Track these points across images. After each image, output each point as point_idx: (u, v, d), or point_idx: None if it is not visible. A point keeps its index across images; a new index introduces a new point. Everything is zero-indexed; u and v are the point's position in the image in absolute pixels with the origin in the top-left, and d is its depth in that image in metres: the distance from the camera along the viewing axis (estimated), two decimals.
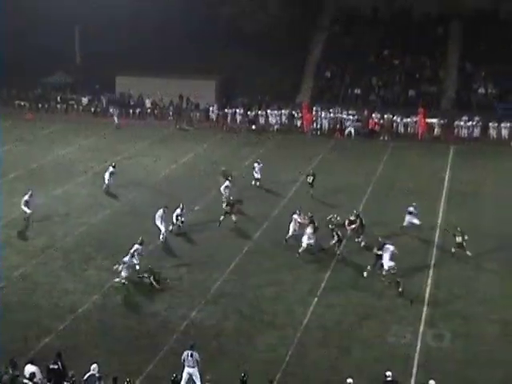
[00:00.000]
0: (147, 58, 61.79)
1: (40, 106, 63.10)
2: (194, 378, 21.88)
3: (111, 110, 60.07)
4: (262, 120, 58.13)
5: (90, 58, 65.13)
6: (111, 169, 41.13)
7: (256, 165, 41.79)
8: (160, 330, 25.75)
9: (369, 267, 29.94)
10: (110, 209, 38.07)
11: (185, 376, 21.86)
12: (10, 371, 20.87)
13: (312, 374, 23.21)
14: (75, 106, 63.39)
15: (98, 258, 31.75)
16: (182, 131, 56.25)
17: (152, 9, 63.48)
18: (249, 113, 58.54)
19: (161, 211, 33.89)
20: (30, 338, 24.77)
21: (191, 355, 22.06)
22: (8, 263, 31.01)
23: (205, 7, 64.57)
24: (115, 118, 57.74)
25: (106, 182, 40.80)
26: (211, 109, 59.67)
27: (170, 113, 60.92)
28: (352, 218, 33.20)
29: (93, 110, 62.40)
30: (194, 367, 21.88)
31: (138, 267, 29.47)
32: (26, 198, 35.72)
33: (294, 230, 32.71)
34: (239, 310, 27.43)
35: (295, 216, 32.88)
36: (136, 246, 29.76)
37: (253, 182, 41.60)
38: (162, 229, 33.54)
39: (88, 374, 20.78)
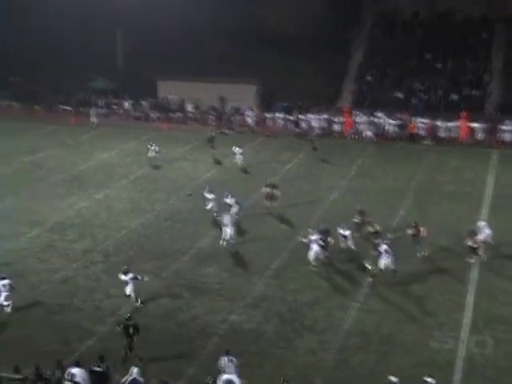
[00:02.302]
0: (188, 62, 62.18)
1: (82, 110, 63.76)
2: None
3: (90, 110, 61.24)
4: (302, 124, 58.07)
5: (132, 63, 65.76)
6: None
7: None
8: (199, 334, 25.87)
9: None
10: (151, 213, 38.32)
11: (226, 380, 21.65)
12: (57, 373, 21.08)
13: (352, 379, 23.14)
14: (117, 111, 63.99)
15: (139, 262, 31.97)
16: (223, 135, 56.46)
17: (193, 14, 63.86)
18: (290, 117, 58.57)
19: (226, 217, 33.79)
20: (72, 341, 25.05)
21: (231, 361, 22.07)
22: (50, 266, 31.42)
23: (247, 11, 64.78)
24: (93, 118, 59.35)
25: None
26: (250, 113, 59.79)
27: (211, 117, 61.18)
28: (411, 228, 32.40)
29: (134, 114, 62.93)
30: (234, 373, 21.80)
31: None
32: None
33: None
34: (279, 313, 27.46)
35: (340, 231, 32.49)
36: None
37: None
38: (228, 234, 33.51)
39: (130, 378, 20.94)
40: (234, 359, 22.11)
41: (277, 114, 59.44)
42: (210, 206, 37.04)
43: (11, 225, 36.25)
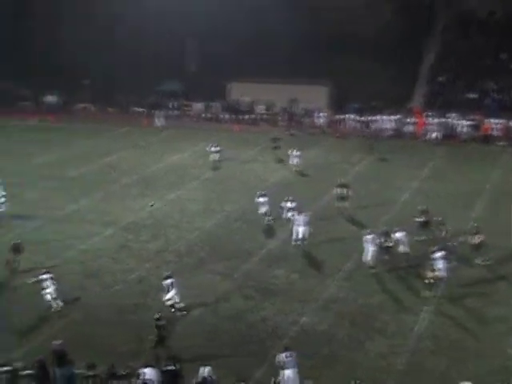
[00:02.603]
0: (260, 64, 62.28)
1: (154, 112, 64.57)
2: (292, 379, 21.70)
3: (155, 112, 62.15)
4: (374, 126, 57.71)
5: (204, 65, 66.29)
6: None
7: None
8: (270, 336, 25.91)
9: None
10: (222, 214, 38.57)
11: (286, 379, 21.69)
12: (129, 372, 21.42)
13: None
14: (188, 113, 64.57)
15: (211, 262, 32.24)
16: (294, 137, 56.44)
17: (263, 15, 63.99)
18: (362, 118, 58.28)
19: (298, 217, 33.87)
20: (145, 340, 25.35)
21: (290, 355, 22.05)
22: (124, 266, 31.88)
23: (317, 12, 64.62)
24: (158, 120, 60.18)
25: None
26: (321, 114, 59.65)
27: (281, 118, 61.24)
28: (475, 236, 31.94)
29: (205, 116, 63.42)
30: (293, 368, 21.82)
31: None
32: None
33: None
34: (350, 316, 27.33)
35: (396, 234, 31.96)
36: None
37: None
38: (300, 233, 33.53)
39: (201, 377, 21.14)
40: (293, 354, 22.05)
41: (348, 116, 59.20)
42: (263, 209, 36.91)
43: (86, 225, 36.93)
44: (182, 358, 22.46)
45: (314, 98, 61.19)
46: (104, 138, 56.28)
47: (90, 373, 21.19)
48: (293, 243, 33.61)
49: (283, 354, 22.12)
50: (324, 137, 56.36)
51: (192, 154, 51.04)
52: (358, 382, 20.81)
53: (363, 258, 30.88)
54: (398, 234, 31.58)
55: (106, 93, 65.79)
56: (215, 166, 47.22)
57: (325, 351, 24.84)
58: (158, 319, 24.60)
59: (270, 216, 36.41)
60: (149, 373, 21.26)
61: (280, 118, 61.32)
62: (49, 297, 27.68)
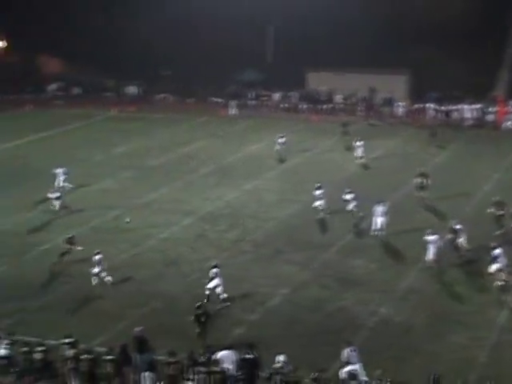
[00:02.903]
0: (338, 53, 61.86)
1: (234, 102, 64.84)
2: (358, 373, 21.36)
3: (229, 102, 62.19)
4: (455, 115, 56.73)
5: (282, 54, 66.23)
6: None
7: None
8: (348, 326, 25.73)
9: None
10: (299, 204, 38.44)
11: (349, 372, 21.41)
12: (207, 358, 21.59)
13: (507, 377, 22.35)
14: (267, 103, 64.63)
15: (288, 252, 32.21)
16: (372, 126, 55.90)
17: (343, 3, 63.41)
18: (442, 108, 57.35)
19: (378, 208, 33.49)
20: (222, 329, 25.49)
21: (354, 350, 21.83)
22: (202, 255, 32.08)
23: (396, 0, 63.77)
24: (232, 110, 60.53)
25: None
26: (400, 104, 58.94)
27: (359, 108, 60.76)
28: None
29: (284, 105, 63.36)
30: (358, 363, 21.56)
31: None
32: None
33: None
34: (430, 307, 26.94)
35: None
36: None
37: None
38: (378, 224, 33.32)
39: (278, 365, 21.13)
40: (356, 349, 21.82)
41: (428, 105, 58.32)
42: (317, 203, 36.40)
43: (165, 214, 37.33)
44: (260, 348, 22.50)
45: (392, 87, 60.54)
46: (183, 127, 56.80)
47: (171, 359, 21.42)
48: (372, 233, 33.32)
49: (347, 349, 21.90)
50: (403, 126, 55.66)
51: (270, 144, 50.83)
52: (436, 375, 20.42)
53: (426, 258, 30.20)
54: (457, 227, 31.05)
55: (185, 83, 66.41)
56: (280, 158, 46.87)
57: (403, 343, 24.53)
58: (198, 307, 24.60)
59: (324, 209, 35.95)
60: (225, 360, 21.38)
61: (358, 108, 60.81)
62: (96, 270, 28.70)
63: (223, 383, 20.83)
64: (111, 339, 23.92)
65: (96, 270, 28.84)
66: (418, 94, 60.46)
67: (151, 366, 21.69)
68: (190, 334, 24.90)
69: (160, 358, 22.15)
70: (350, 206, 35.40)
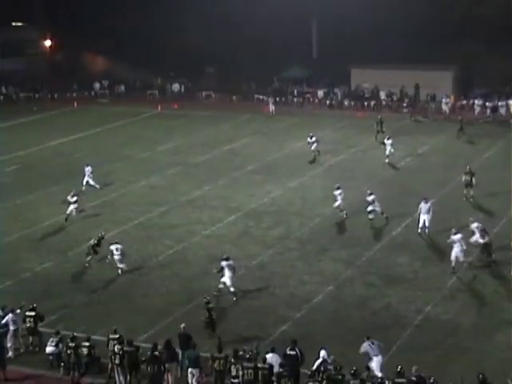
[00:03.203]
0: (383, 49, 61.48)
1: (277, 99, 64.77)
2: (378, 365, 21.62)
3: (268, 99, 61.90)
4: (502, 111, 56.02)
5: (326, 51, 66.01)
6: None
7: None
8: (394, 324, 25.59)
9: None
10: (344, 201, 38.20)
11: (375, 366, 21.55)
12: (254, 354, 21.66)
13: None
14: (311, 99, 64.52)
15: (333, 250, 32.12)
16: (417, 123, 55.45)
17: (385, 1, 62.93)
18: (487, 104, 56.65)
19: (424, 205, 33.21)
20: (267, 326, 25.53)
21: (373, 343, 21.91)
22: (246, 252, 32.14)
23: None
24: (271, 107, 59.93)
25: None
26: (444, 100, 58.32)
27: (405, 104, 60.33)
28: None
29: (328, 102, 63.20)
30: (379, 355, 21.72)
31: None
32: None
33: None
34: (477, 306, 26.71)
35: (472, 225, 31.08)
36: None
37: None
38: (421, 222, 33.07)
39: (320, 361, 21.16)
40: (375, 342, 21.96)
41: (474, 101, 57.67)
42: (337, 203, 36.15)
43: (209, 211, 37.47)
44: (304, 345, 22.47)
45: (438, 83, 59.95)
46: (227, 125, 56.93)
47: (217, 355, 21.52)
48: (418, 231, 33.05)
49: (366, 343, 21.99)
50: (449, 123, 55.08)
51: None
52: (481, 375, 20.13)
53: (451, 258, 29.71)
54: (474, 225, 30.78)
55: (229, 80, 66.57)
56: (313, 158, 46.27)
57: (450, 341, 24.30)
58: (207, 302, 25.02)
59: (343, 210, 35.79)
60: (270, 356, 21.42)
61: (404, 104, 60.36)
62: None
63: (269, 379, 20.87)
64: (156, 335, 24.12)
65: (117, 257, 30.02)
66: (463, 89, 59.79)
67: (196, 363, 21.83)
68: (236, 331, 25.03)
69: (205, 354, 22.27)
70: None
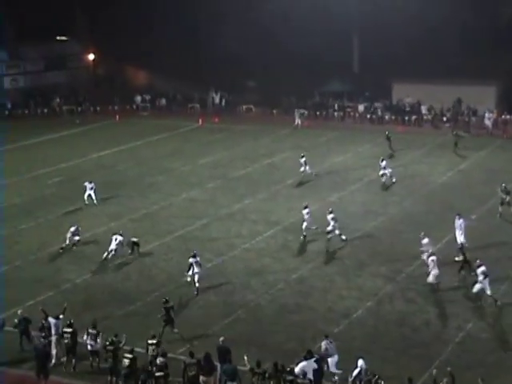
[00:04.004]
0: (424, 63, 61.23)
1: (318, 113, 64.74)
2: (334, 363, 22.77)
3: (294, 111, 61.77)
4: None
5: (368, 65, 65.93)
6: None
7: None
8: (434, 341, 25.39)
9: None
10: (385, 216, 38.15)
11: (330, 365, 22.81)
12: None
13: None
14: (352, 114, 64.42)
15: (372, 265, 31.99)
16: (459, 138, 54.96)
17: (425, 13, 62.68)
18: None
19: (458, 221, 33.14)
20: (307, 340, 25.48)
21: (331, 342, 23.28)
22: (285, 266, 32.17)
23: (482, 9, 62.68)
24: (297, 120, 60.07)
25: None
26: (487, 115, 57.81)
27: (445, 119, 59.96)
28: None
29: (368, 117, 63.05)
30: (335, 354, 23.00)
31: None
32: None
33: None
34: None
35: None
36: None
37: None
38: (460, 239, 32.83)
39: (358, 370, 21.37)
40: (333, 341, 23.31)
41: None
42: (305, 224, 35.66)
43: (249, 224, 37.57)
44: (343, 359, 22.42)
45: (480, 98, 59.47)
46: (267, 139, 57.01)
47: (258, 369, 21.57)
48: (458, 247, 32.78)
49: (325, 342, 23.17)
50: (491, 138, 54.62)
51: (355, 155, 50.72)
52: None
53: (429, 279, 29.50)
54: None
55: (270, 94, 66.67)
56: (303, 179, 45.29)
57: (491, 359, 24.06)
58: (165, 302, 26.25)
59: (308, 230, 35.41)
60: (307, 369, 21.51)
61: (445, 119, 59.98)
62: None
63: None
64: (196, 348, 24.18)
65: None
66: (507, 104, 59.23)
67: (234, 376, 21.90)
68: (275, 344, 25.03)
69: (243, 368, 22.31)
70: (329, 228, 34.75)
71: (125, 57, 71.66)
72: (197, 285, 29.26)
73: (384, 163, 43.51)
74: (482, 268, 28.21)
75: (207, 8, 69.64)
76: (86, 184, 41.40)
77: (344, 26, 65.39)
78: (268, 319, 27.41)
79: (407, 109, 62.70)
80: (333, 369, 22.84)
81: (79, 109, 69.55)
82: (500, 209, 37.12)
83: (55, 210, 40.53)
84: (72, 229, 34.83)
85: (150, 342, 23.56)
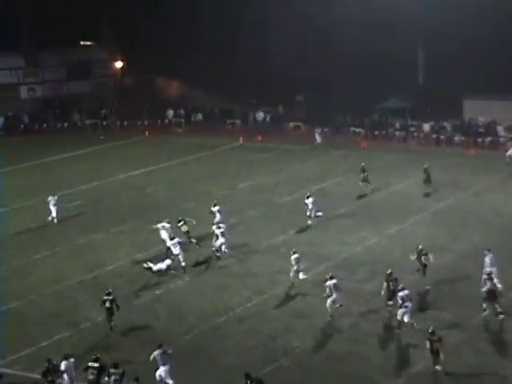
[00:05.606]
0: (501, 78, 60.90)
1: (376, 133, 64.68)
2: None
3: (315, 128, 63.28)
4: None
5: (434, 79, 65.75)
6: None
7: None
8: None
9: None
10: (451, 253, 37.84)
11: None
12: None
13: None
14: (415, 134, 64.20)
15: (436, 309, 31.78)
16: None
17: (498, 21, 62.30)
18: None
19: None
20: None
21: (165, 352, 25.59)
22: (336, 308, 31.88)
23: None
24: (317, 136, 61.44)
25: None
26: None
27: None
28: None
29: (435, 137, 62.78)
30: (166, 364, 25.29)
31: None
32: None
33: None
34: None
35: None
36: None
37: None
38: None
39: None
40: (166, 350, 25.60)
41: None
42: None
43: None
44: None
45: None
46: (316, 160, 57.14)
47: None
48: None
49: (157, 351, 25.22)
50: None
51: (418, 181, 50.42)
52: None
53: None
54: None
55: (320, 110, 66.69)
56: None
57: None
58: (107, 294, 30.07)
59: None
60: None
61: None
62: None
63: None
64: None
65: None
66: None
67: None
68: None
69: None
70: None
71: (157, 65, 72.28)
72: (183, 264, 35.44)
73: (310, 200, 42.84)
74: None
75: (250, 15, 69.96)
76: (50, 198, 43.25)
77: (408, 37, 65.29)
78: (315, 368, 27.30)
79: (480, 129, 62.33)
80: (168, 380, 24.86)
81: (104, 123, 70.20)
82: None
83: (74, 238, 40.98)
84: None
85: None
